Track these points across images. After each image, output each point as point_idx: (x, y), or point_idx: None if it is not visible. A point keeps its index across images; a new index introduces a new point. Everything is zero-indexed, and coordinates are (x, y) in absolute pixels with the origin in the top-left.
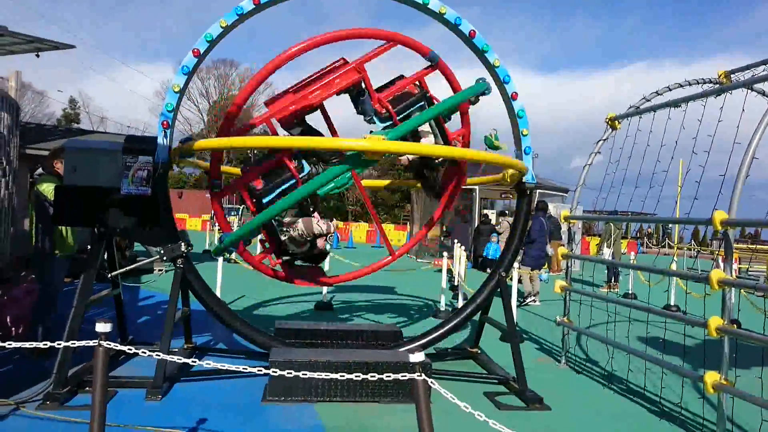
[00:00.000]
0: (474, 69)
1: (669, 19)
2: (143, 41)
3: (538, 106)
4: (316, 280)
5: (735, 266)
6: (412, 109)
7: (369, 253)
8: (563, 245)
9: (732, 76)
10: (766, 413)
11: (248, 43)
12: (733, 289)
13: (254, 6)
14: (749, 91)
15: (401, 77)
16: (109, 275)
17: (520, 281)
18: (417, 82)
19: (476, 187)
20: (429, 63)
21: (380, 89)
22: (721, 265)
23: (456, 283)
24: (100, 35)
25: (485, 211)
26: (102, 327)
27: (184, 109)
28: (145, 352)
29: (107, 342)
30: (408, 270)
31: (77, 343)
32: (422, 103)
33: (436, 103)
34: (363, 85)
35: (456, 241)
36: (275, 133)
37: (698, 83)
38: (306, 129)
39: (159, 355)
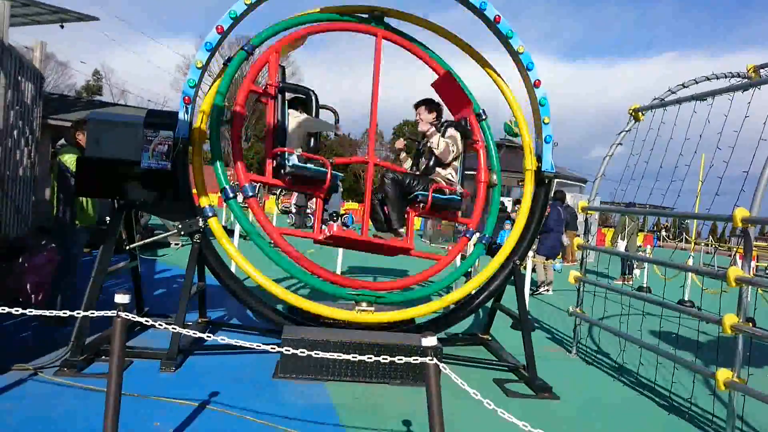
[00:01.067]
0: (497, 54)
1: (699, 9)
2: (166, 15)
3: (560, 94)
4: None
5: (753, 264)
6: None
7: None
8: (579, 236)
9: (761, 71)
10: None
11: (269, 20)
12: (750, 287)
13: None
14: None
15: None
16: (128, 248)
17: (533, 270)
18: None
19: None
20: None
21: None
22: (739, 262)
23: (470, 270)
24: (123, 8)
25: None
26: (121, 298)
27: (204, 84)
28: (161, 325)
29: (125, 313)
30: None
31: (96, 313)
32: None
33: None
34: None
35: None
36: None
37: (726, 77)
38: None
39: (174, 328)
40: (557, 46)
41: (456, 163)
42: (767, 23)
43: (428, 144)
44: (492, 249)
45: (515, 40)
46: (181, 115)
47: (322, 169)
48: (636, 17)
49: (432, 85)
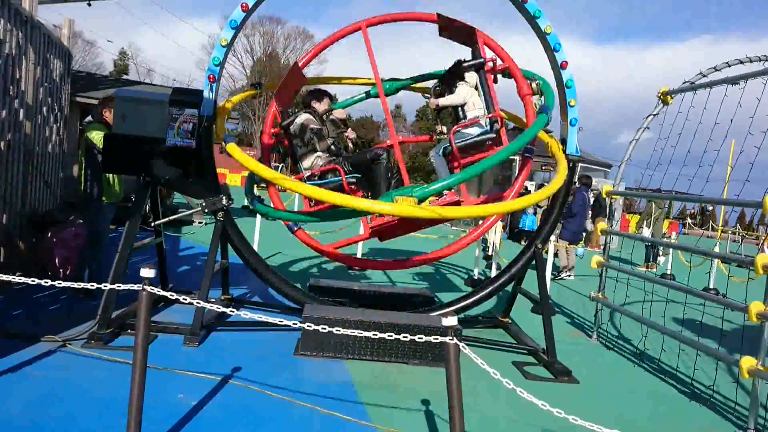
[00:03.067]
0: (524, 36)
1: None
2: None
3: (589, 79)
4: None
5: None
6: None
7: None
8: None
9: None
10: None
11: (295, 1)
12: None
13: None
14: None
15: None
16: (153, 224)
17: (556, 255)
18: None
19: (516, 157)
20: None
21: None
22: (767, 250)
23: (490, 253)
24: None
25: (525, 183)
26: (147, 272)
27: (228, 64)
28: (186, 299)
29: (151, 287)
30: (442, 237)
31: (123, 286)
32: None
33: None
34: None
35: None
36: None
37: (760, 60)
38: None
39: (199, 303)
40: (588, 29)
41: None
42: None
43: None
44: (516, 234)
45: (543, 21)
46: (206, 94)
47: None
48: (670, 1)
49: (440, 34)
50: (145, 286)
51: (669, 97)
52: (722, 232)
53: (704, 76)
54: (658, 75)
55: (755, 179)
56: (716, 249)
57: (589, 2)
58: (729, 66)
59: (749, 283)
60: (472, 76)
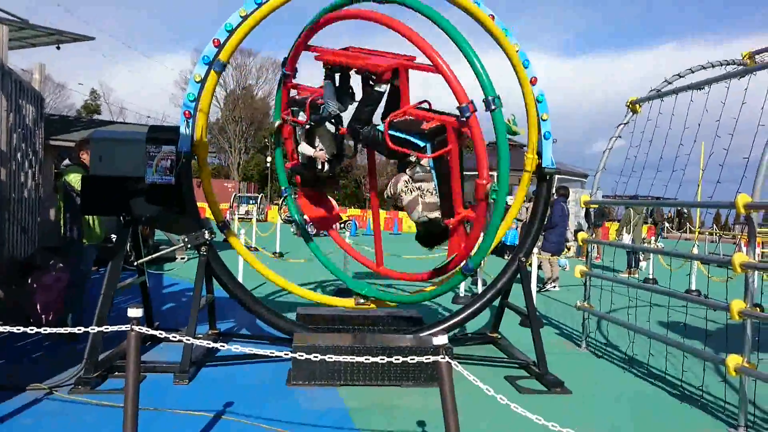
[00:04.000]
0: (493, 54)
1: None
2: (161, 31)
3: (562, 89)
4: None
5: (758, 250)
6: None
7: (387, 239)
8: (585, 231)
9: (756, 57)
10: None
11: (267, 32)
12: (756, 272)
13: None
14: None
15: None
16: (135, 263)
17: (539, 267)
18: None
19: (494, 173)
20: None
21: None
22: (744, 248)
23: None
24: (118, 25)
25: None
26: (134, 312)
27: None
28: (175, 337)
29: (139, 327)
30: (426, 255)
31: (110, 328)
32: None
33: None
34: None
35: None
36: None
37: (722, 65)
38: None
39: (189, 340)
40: (558, 42)
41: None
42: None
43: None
44: (499, 248)
45: (511, 39)
46: (182, 130)
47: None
48: (636, 11)
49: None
50: (133, 327)
51: (638, 105)
52: (699, 233)
53: (669, 83)
54: (626, 83)
55: (727, 179)
56: (695, 251)
57: (558, 16)
58: (692, 72)
59: (730, 282)
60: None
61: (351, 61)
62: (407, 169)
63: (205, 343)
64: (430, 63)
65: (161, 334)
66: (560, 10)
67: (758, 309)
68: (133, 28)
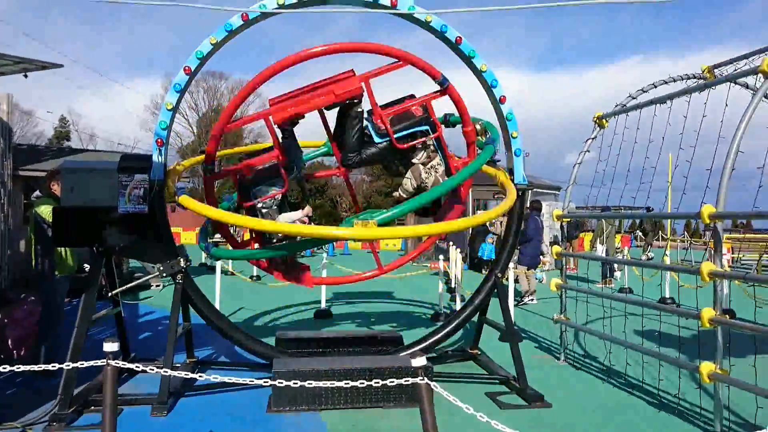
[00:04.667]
0: (462, 74)
1: (663, 13)
2: (130, 56)
3: (533, 104)
4: (301, 279)
5: (728, 256)
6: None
7: (365, 258)
8: (559, 245)
9: (716, 70)
10: (762, 400)
11: (238, 55)
12: (725, 279)
13: (243, 22)
14: (733, 84)
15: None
16: (110, 294)
17: (516, 281)
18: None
19: (469, 189)
20: (438, 87)
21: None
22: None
23: (453, 286)
24: (86, 52)
25: (478, 212)
26: (110, 346)
27: (174, 123)
28: (153, 369)
29: (115, 361)
30: (404, 274)
31: (85, 364)
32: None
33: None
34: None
35: (451, 242)
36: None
37: (683, 79)
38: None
39: (166, 372)
40: (528, 59)
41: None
42: (727, 24)
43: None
44: (477, 264)
45: (478, 60)
46: (155, 158)
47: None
48: (601, 26)
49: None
50: (109, 361)
51: (604, 120)
52: (672, 240)
53: (633, 98)
54: (596, 96)
55: (695, 188)
56: (667, 259)
57: (526, 32)
58: (655, 87)
59: (701, 289)
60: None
61: (310, 106)
62: (414, 158)
63: (182, 374)
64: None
65: (138, 367)
66: (531, 25)
67: (727, 316)
68: (101, 53)
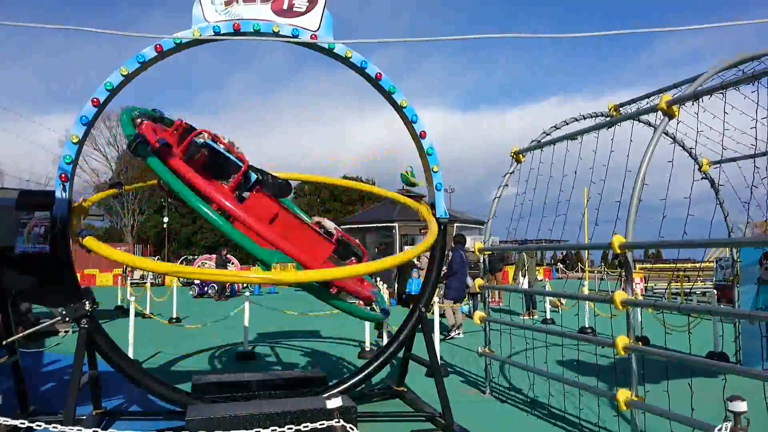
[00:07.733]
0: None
1: (580, 58)
2: (42, 90)
3: (465, 140)
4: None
5: (641, 285)
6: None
7: (294, 296)
8: (482, 278)
9: (621, 109)
10: (675, 425)
11: (161, 88)
12: (637, 307)
13: (156, 53)
14: (636, 122)
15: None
16: (4, 342)
17: (442, 315)
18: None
19: (396, 224)
20: None
21: None
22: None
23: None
24: None
25: (406, 248)
26: None
27: (90, 159)
28: (46, 427)
29: (3, 418)
30: (331, 312)
31: None
32: None
33: None
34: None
35: (378, 278)
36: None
37: (592, 117)
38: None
39: (56, 427)
40: (455, 97)
41: None
42: (638, 65)
43: None
44: (405, 299)
45: (398, 95)
46: (58, 194)
47: None
48: (525, 67)
49: None
50: None
51: (521, 155)
52: (590, 272)
53: (548, 134)
54: (519, 133)
55: (610, 219)
56: (585, 289)
57: (452, 73)
58: (567, 124)
59: (616, 318)
60: None
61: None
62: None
63: (83, 430)
64: None
65: (23, 423)
66: (453, 70)
67: (640, 343)
68: (10, 90)
